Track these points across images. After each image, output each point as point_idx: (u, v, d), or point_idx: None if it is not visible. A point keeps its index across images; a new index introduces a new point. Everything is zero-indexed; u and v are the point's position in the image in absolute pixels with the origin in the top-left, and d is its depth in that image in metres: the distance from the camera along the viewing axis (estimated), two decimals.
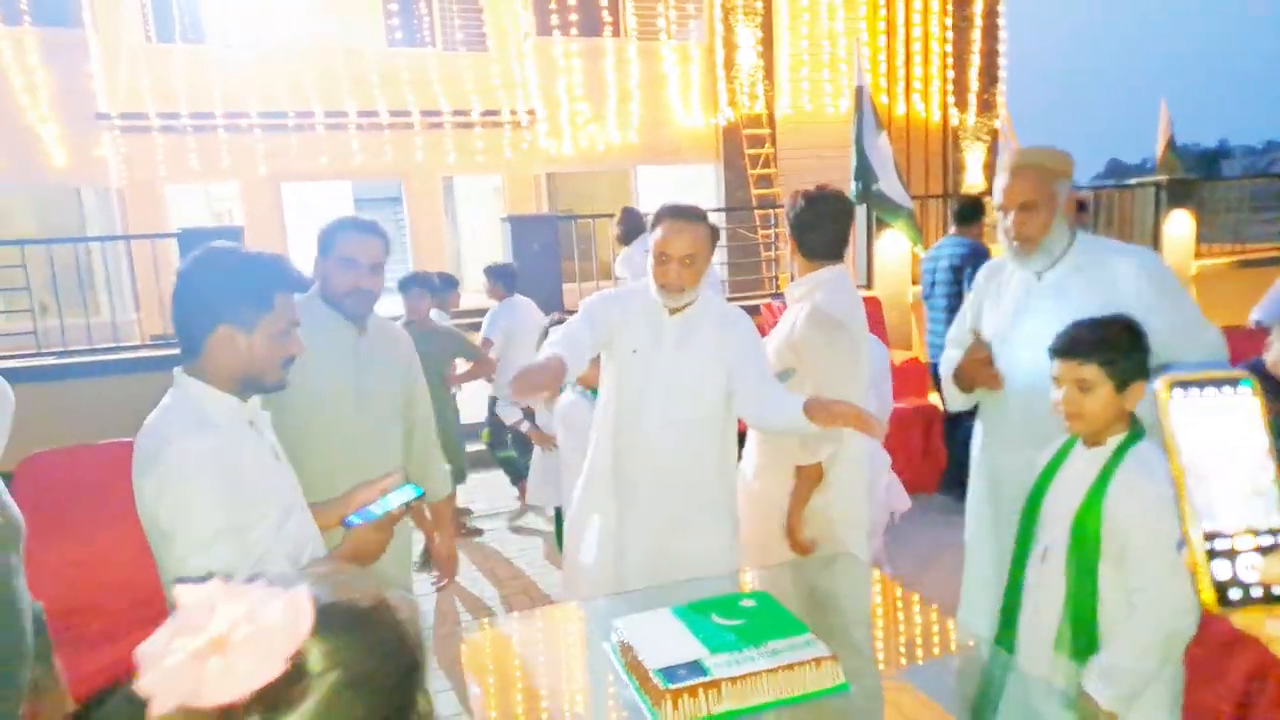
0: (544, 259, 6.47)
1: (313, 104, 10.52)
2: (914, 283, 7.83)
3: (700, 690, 1.57)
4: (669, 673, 1.62)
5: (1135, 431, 1.78)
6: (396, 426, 2.41)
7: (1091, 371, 1.75)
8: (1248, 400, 0.54)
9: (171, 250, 6.20)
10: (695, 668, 1.63)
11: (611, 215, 5.80)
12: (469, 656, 1.94)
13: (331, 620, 0.66)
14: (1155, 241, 8.85)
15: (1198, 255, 9.16)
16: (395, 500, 1.66)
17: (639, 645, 1.73)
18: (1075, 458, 1.85)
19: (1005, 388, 2.31)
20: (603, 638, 1.90)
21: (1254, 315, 4.16)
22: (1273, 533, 0.51)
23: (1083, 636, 1.75)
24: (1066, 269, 2.20)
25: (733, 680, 1.59)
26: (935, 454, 5.32)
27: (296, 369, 1.69)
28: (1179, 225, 8.89)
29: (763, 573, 2.41)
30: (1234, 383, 0.54)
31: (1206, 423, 0.53)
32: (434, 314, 4.75)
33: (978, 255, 5.02)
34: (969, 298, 2.58)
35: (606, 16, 11.38)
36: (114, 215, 10.45)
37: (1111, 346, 1.75)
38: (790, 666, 1.63)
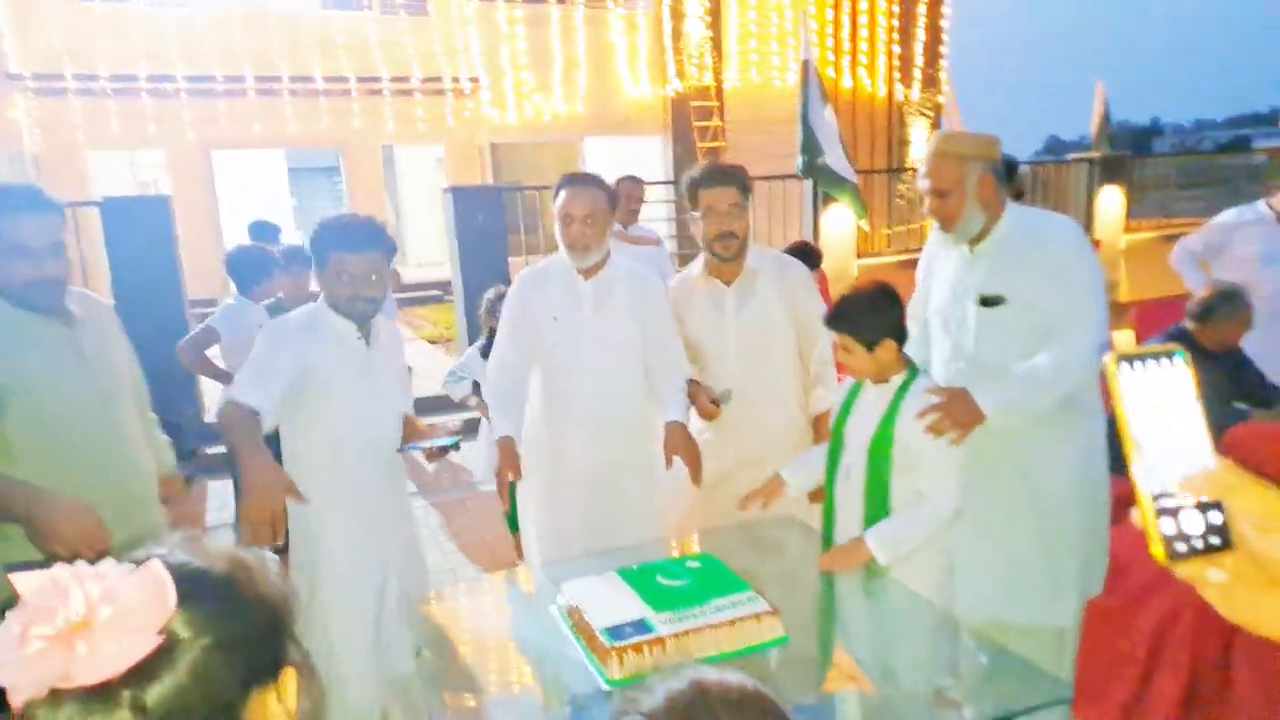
0: (488, 232, 6.38)
1: (243, 68, 10.16)
2: (858, 256, 7.94)
3: (645, 646, 1.59)
4: (615, 631, 1.63)
5: (913, 371, 2.14)
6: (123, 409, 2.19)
7: (846, 339, 2.11)
8: (1182, 371, 0.59)
9: (93, 220, 5.93)
10: (641, 626, 1.65)
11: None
12: (418, 623, 1.92)
13: (194, 588, 0.69)
14: (1088, 216, 9.11)
15: (1127, 230, 9.47)
16: (439, 442, 2.24)
17: (586, 606, 1.74)
18: (866, 393, 2.20)
19: (944, 350, 2.44)
20: (550, 601, 1.91)
21: (1184, 270, 4.29)
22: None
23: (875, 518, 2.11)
24: (996, 241, 2.32)
25: (676, 636, 1.61)
26: None
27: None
28: (1110, 200, 9.17)
29: (708, 534, 2.44)
30: (1170, 355, 0.59)
31: (1148, 393, 0.58)
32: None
33: None
34: (918, 277, 2.66)
35: None
36: (29, 182, 9.99)
37: (857, 319, 2.10)
38: (732, 622, 1.66)
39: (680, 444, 2.42)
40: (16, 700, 0.64)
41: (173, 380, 5.55)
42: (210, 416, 5.65)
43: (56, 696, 0.63)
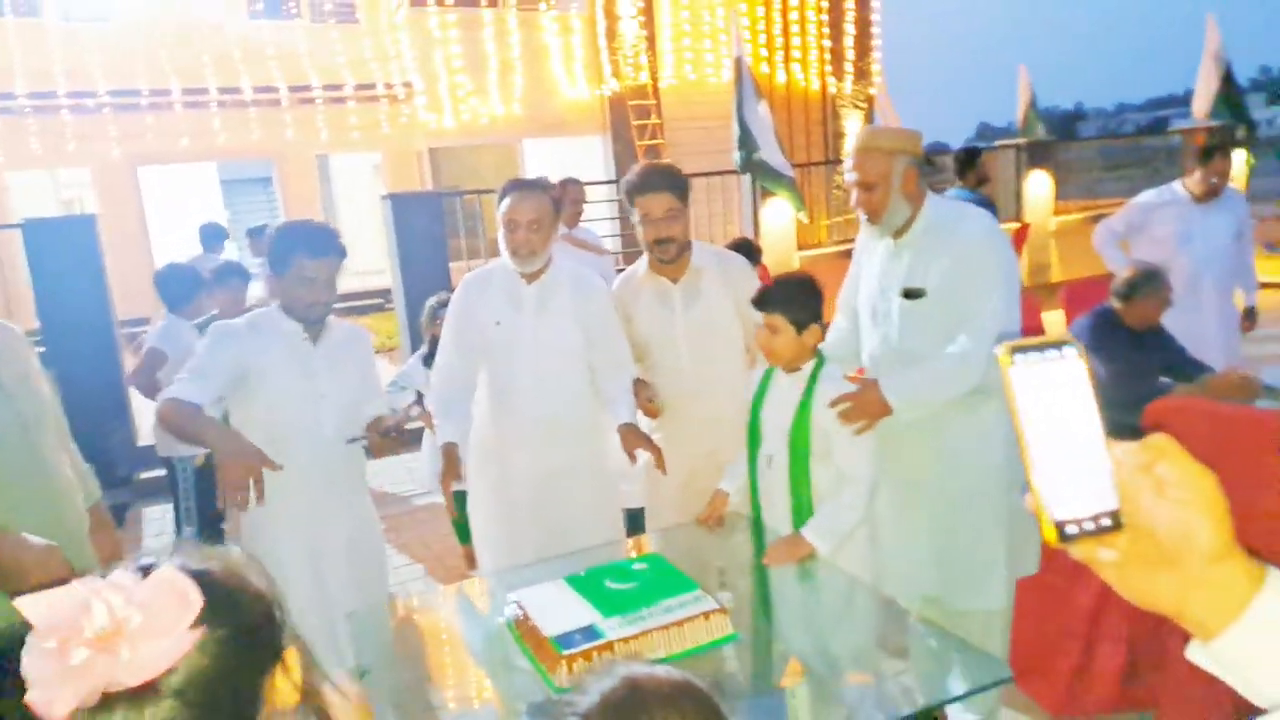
0: (428, 238, 6.30)
1: (169, 81, 9.88)
2: (798, 249, 8.04)
3: (594, 653, 1.59)
4: (564, 639, 1.64)
5: (821, 359, 2.25)
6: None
7: (777, 319, 2.17)
8: (1074, 361, 0.60)
9: (15, 243, 5.71)
10: (589, 632, 1.65)
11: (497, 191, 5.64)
12: (359, 636, 1.90)
13: (207, 587, 0.77)
14: (1017, 200, 9.36)
15: (1056, 212, 9.75)
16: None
17: (534, 616, 1.73)
18: (778, 382, 2.28)
19: (870, 340, 2.47)
20: (499, 612, 1.90)
21: (1105, 250, 4.45)
22: (1099, 473, 0.59)
23: (804, 516, 2.21)
24: (918, 232, 2.37)
25: (625, 640, 1.62)
26: None
27: None
28: (1038, 184, 9.43)
29: (656, 535, 2.46)
30: (1061, 345, 0.60)
31: (1040, 382, 0.60)
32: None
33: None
34: (850, 267, 2.69)
35: None
36: None
37: (790, 299, 2.18)
38: (681, 622, 1.67)
39: (637, 441, 2.43)
40: (61, 712, 0.68)
41: (105, 404, 5.39)
42: (144, 440, 5.49)
43: (108, 699, 0.69)
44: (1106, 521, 0.58)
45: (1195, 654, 0.61)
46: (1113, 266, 4.33)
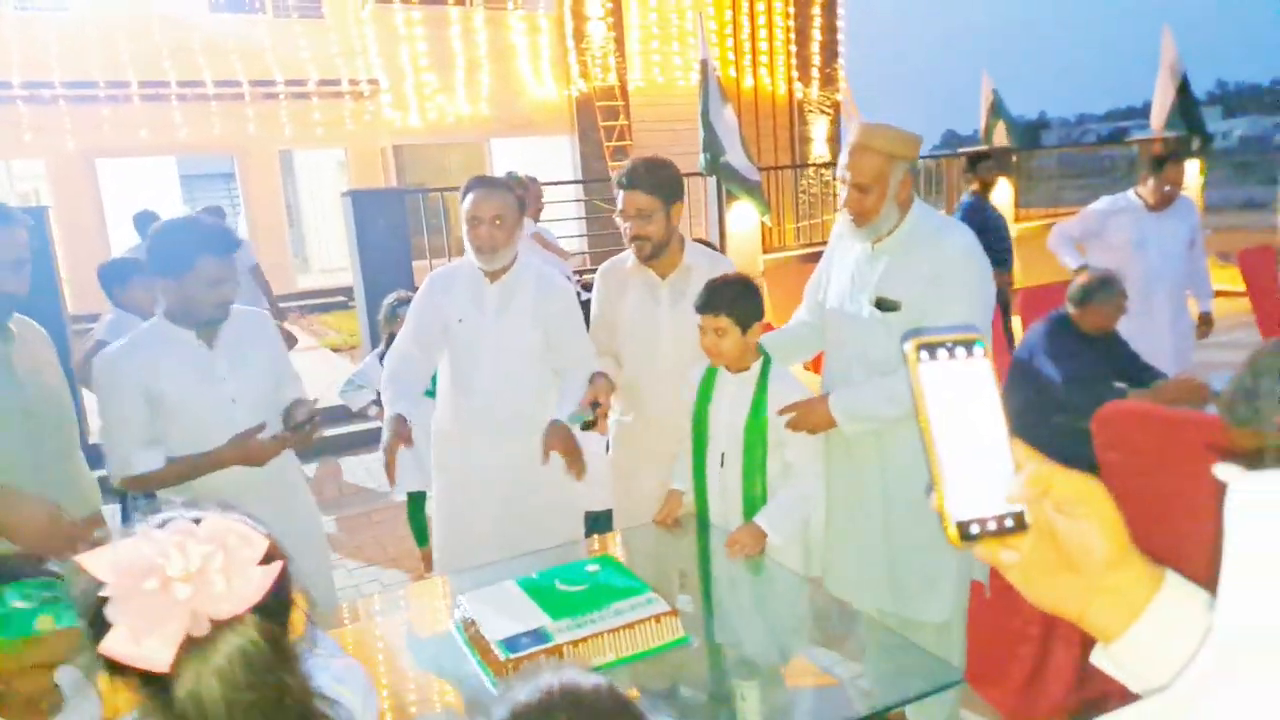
0: (391, 236, 6.23)
1: (128, 73, 9.67)
2: (764, 251, 8.07)
3: (541, 656, 1.57)
4: (511, 643, 1.61)
5: (767, 357, 2.29)
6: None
7: (724, 321, 2.19)
8: (981, 360, 0.60)
9: None
10: (537, 635, 1.63)
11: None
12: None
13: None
14: None
15: (1017, 219, 9.89)
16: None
17: (481, 619, 1.70)
18: (724, 382, 2.29)
19: (839, 348, 2.42)
20: (451, 615, 1.87)
21: (1061, 252, 4.54)
22: (1003, 475, 0.59)
23: (752, 506, 2.25)
24: (898, 240, 2.27)
25: (574, 643, 1.60)
26: None
27: None
28: (999, 192, 9.56)
29: (618, 537, 2.44)
30: (969, 344, 0.60)
31: (948, 381, 0.59)
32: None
33: (972, 212, 5.28)
34: (820, 262, 2.61)
35: None
36: None
37: (735, 301, 2.19)
38: (631, 625, 1.66)
39: (557, 442, 2.40)
40: (167, 654, 0.77)
41: None
42: (95, 437, 5.35)
43: (212, 633, 0.79)
44: (1010, 523, 0.58)
45: (1098, 658, 0.61)
46: (1066, 263, 4.43)
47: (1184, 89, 8.83)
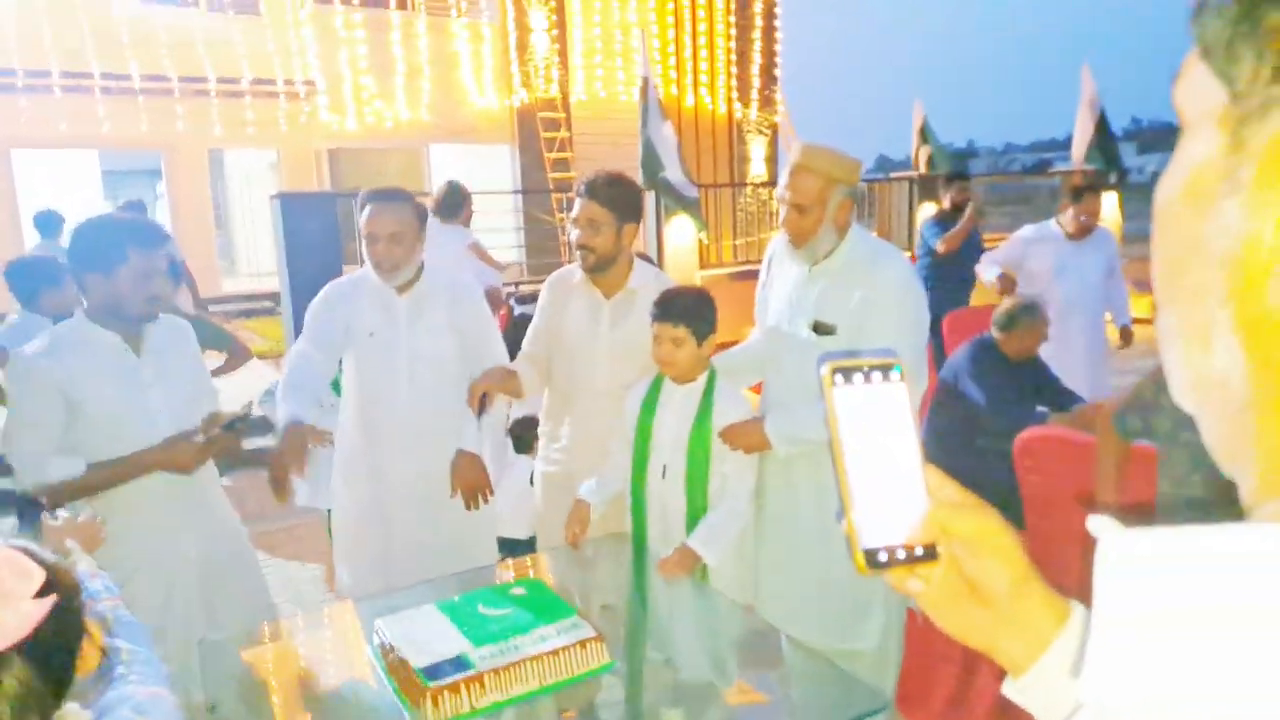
0: (322, 241, 6.07)
1: (49, 62, 9.26)
2: (701, 268, 8.13)
3: (462, 685, 1.52)
4: (431, 670, 1.56)
5: (713, 370, 2.31)
6: None
7: (682, 331, 2.20)
8: (897, 386, 0.59)
9: None
10: (458, 662, 1.58)
11: None
12: (205, 671, 1.77)
13: (40, 563, 0.91)
14: (909, 229, 9.72)
15: (945, 244, 10.17)
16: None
17: (400, 644, 1.65)
18: (670, 394, 2.29)
19: (777, 371, 2.41)
20: (365, 640, 1.80)
21: (984, 273, 4.70)
22: (914, 503, 0.58)
23: (696, 517, 2.25)
24: (835, 263, 2.27)
25: (496, 671, 1.56)
26: None
27: None
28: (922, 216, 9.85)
29: (542, 557, 2.40)
30: (886, 369, 0.59)
31: (863, 405, 0.58)
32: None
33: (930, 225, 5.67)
34: (761, 282, 2.60)
35: None
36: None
37: (696, 312, 2.21)
38: (556, 651, 1.62)
39: (463, 475, 2.40)
40: None
41: None
42: None
43: None
44: (919, 552, 0.58)
45: (1009, 690, 0.61)
46: (988, 282, 4.61)
47: (1102, 124, 9.22)
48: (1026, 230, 4.55)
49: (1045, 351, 3.55)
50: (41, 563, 0.91)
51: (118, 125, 9.80)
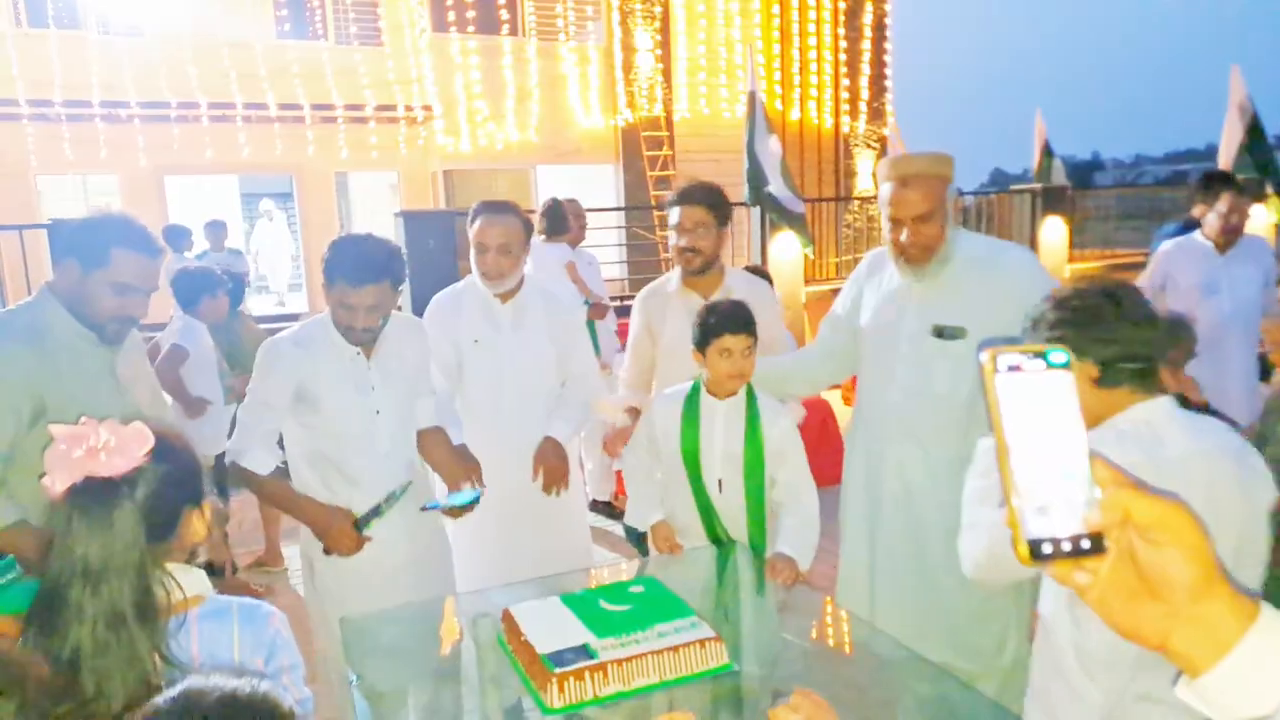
0: (439, 256, 6.36)
1: (196, 94, 10.04)
2: (806, 283, 8.07)
3: (586, 673, 1.59)
4: (556, 657, 1.63)
5: (748, 383, 2.29)
6: None
7: (751, 341, 2.21)
8: (1062, 373, 0.57)
9: (41, 242, 5.86)
10: (582, 651, 1.65)
11: None
12: (349, 646, 1.90)
13: (160, 437, 1.29)
14: (1032, 245, 9.39)
15: (1070, 260, 9.77)
16: (460, 499, 2.27)
17: (527, 631, 1.73)
18: (711, 409, 2.28)
19: (888, 380, 2.31)
20: (490, 627, 1.90)
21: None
22: (1082, 494, 0.56)
23: (761, 533, 2.31)
24: (948, 268, 2.17)
25: (618, 662, 1.62)
26: (834, 446, 5.43)
27: None
28: (1053, 231, 9.46)
29: (651, 560, 2.45)
30: (1050, 356, 0.58)
31: (1026, 393, 0.57)
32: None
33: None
34: (846, 285, 2.54)
35: (504, 15, 11.28)
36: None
37: (752, 323, 2.21)
38: (675, 648, 1.67)
39: (544, 456, 2.53)
40: (60, 487, 1.20)
41: None
42: None
43: (89, 484, 1.20)
44: (1086, 544, 0.56)
45: (1182, 691, 0.58)
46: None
47: (1254, 129, 8.53)
48: (1168, 244, 4.17)
49: (1195, 372, 3.37)
50: (170, 440, 1.31)
51: (255, 151, 10.52)
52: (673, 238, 2.66)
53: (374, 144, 11.00)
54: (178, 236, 7.65)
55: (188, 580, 1.31)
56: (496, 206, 2.60)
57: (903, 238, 2.15)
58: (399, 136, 11.10)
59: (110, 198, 11.06)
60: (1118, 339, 1.46)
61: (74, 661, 1.12)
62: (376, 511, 2.19)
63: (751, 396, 2.28)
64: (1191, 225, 4.64)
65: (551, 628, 1.74)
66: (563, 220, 5.15)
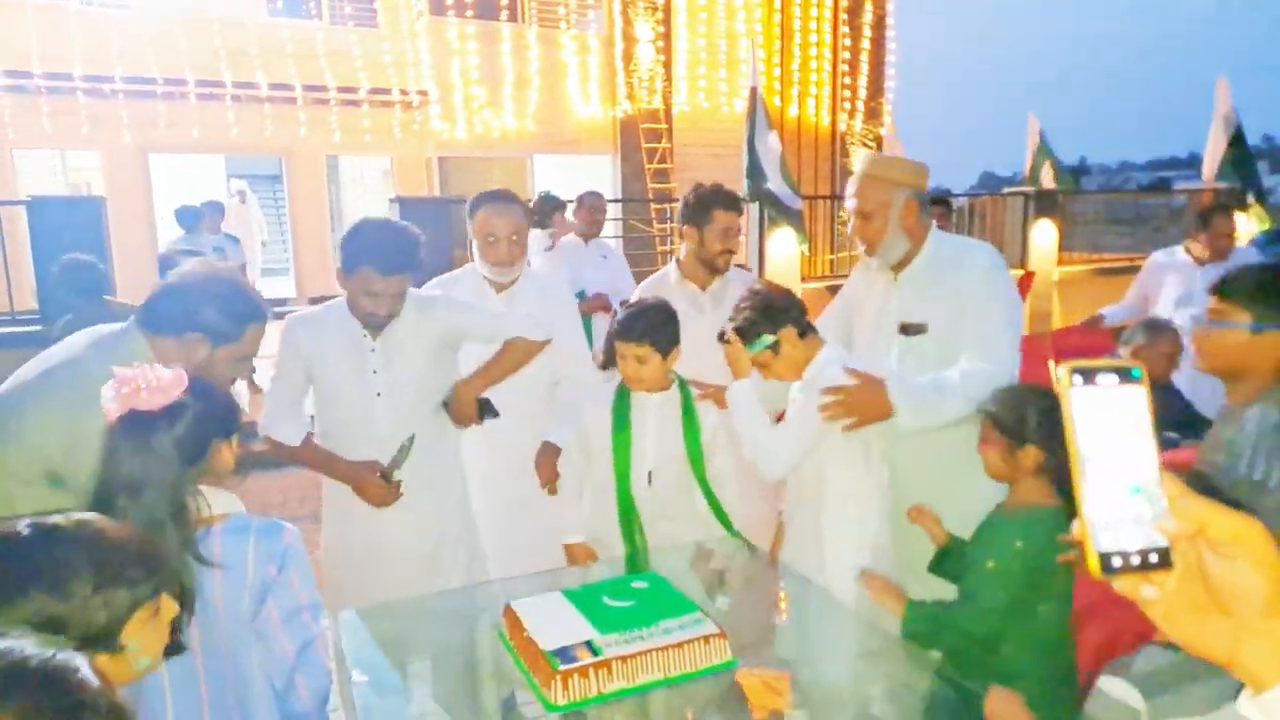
0: (434, 244, 6.27)
1: (185, 72, 9.88)
2: (801, 280, 8.05)
3: (590, 670, 1.55)
4: (561, 653, 1.59)
5: (679, 377, 2.36)
6: None
7: (645, 349, 2.23)
8: (1136, 389, 0.58)
9: (19, 219, 5.71)
10: (587, 648, 1.61)
11: None
12: (348, 639, 1.85)
13: (195, 382, 1.52)
14: (1023, 248, 9.40)
15: (1060, 262, 9.79)
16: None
17: (531, 627, 1.69)
18: (642, 404, 2.32)
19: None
20: (492, 622, 1.85)
21: (1106, 315, 4.47)
22: (1151, 508, 0.57)
23: (720, 511, 2.33)
24: (919, 265, 2.32)
25: (623, 659, 1.58)
26: None
27: None
28: (1044, 234, 9.48)
29: (654, 555, 2.42)
30: (1125, 371, 0.59)
31: (1100, 408, 0.58)
32: None
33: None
34: (842, 294, 2.68)
35: (504, 1, 11.17)
36: None
37: (655, 329, 2.24)
38: (680, 645, 1.63)
39: (546, 462, 2.58)
40: (114, 412, 1.42)
41: None
42: None
43: (135, 414, 1.43)
44: (1154, 558, 0.57)
45: (1245, 707, 0.58)
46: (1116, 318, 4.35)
47: (1237, 140, 8.67)
48: (1157, 255, 4.32)
49: (1180, 382, 3.38)
50: (205, 384, 1.53)
51: (244, 131, 10.37)
52: (711, 239, 2.79)
53: (367, 127, 10.87)
54: (187, 216, 7.60)
55: (220, 500, 1.54)
56: (505, 196, 2.65)
57: (849, 228, 2.42)
58: (393, 121, 10.98)
59: (91, 174, 10.89)
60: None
61: None
62: (396, 461, 2.27)
63: (684, 389, 2.35)
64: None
65: (555, 623, 1.70)
66: (550, 213, 5.29)
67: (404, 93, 10.90)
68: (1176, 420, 3.32)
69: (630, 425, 2.31)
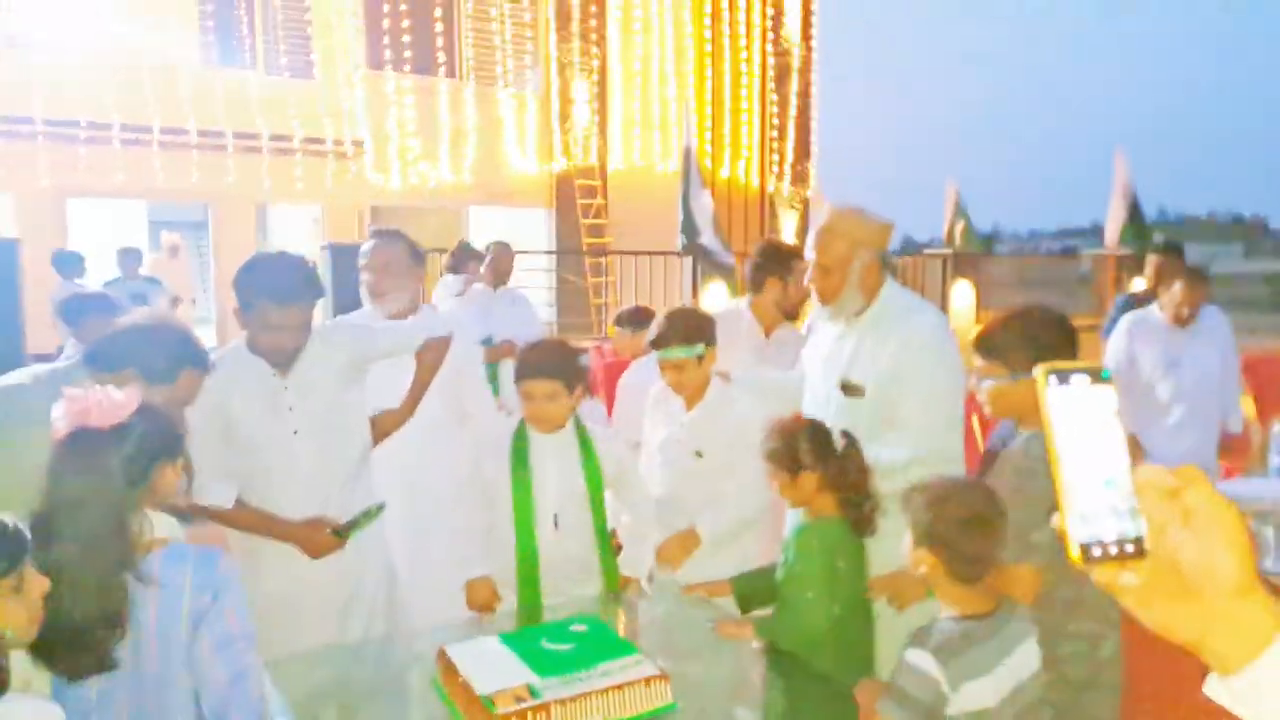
0: None
1: (110, 115, 9.66)
2: None
3: (529, 714, 1.53)
4: (496, 698, 1.56)
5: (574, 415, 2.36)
6: None
7: (556, 386, 2.22)
8: (1106, 389, 0.62)
9: None
10: (526, 690, 1.59)
11: (443, 250, 5.80)
12: (277, 686, 1.78)
13: (144, 405, 1.53)
14: (943, 305, 9.79)
15: (977, 320, 10.23)
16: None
17: (466, 672, 1.66)
18: (541, 445, 2.30)
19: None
20: (422, 669, 1.81)
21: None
22: (1124, 500, 0.61)
23: (610, 558, 2.37)
24: (868, 320, 2.32)
25: (562, 702, 1.56)
26: None
27: None
28: (962, 293, 9.91)
29: (592, 598, 2.40)
30: (1096, 372, 0.63)
31: (1073, 407, 0.62)
32: None
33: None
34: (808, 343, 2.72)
35: (442, 57, 11.29)
36: None
37: (564, 365, 2.25)
38: (620, 687, 1.62)
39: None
40: (62, 430, 1.43)
41: None
42: None
43: (85, 432, 1.43)
44: (1130, 547, 0.60)
45: (1212, 689, 0.61)
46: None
47: (1135, 208, 9.31)
48: (1125, 321, 3.91)
49: (1151, 441, 3.43)
50: (148, 404, 1.53)
51: (170, 176, 10.14)
52: (794, 284, 3.00)
53: (299, 176, 10.76)
54: (67, 263, 7.24)
55: (160, 524, 1.56)
56: (385, 233, 2.85)
57: (805, 278, 2.43)
58: (326, 170, 10.89)
59: (3, 218, 10.47)
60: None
61: (55, 574, 1.28)
62: (353, 524, 2.21)
63: (580, 426, 2.34)
64: (1140, 299, 4.62)
65: (491, 667, 1.68)
66: (463, 262, 5.42)
67: (338, 142, 10.85)
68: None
69: (530, 465, 2.27)
